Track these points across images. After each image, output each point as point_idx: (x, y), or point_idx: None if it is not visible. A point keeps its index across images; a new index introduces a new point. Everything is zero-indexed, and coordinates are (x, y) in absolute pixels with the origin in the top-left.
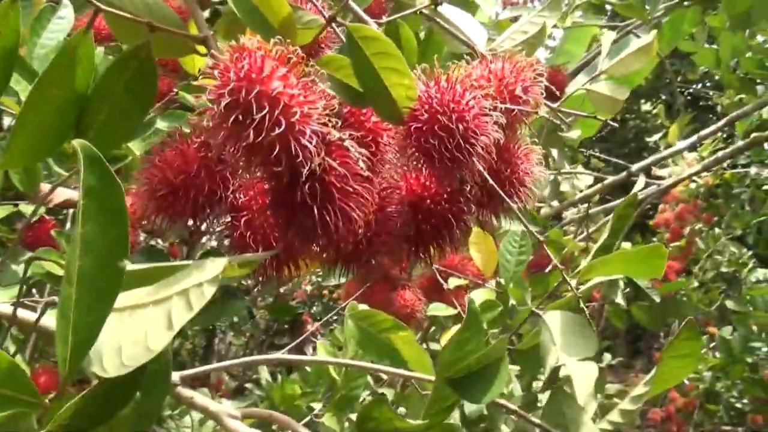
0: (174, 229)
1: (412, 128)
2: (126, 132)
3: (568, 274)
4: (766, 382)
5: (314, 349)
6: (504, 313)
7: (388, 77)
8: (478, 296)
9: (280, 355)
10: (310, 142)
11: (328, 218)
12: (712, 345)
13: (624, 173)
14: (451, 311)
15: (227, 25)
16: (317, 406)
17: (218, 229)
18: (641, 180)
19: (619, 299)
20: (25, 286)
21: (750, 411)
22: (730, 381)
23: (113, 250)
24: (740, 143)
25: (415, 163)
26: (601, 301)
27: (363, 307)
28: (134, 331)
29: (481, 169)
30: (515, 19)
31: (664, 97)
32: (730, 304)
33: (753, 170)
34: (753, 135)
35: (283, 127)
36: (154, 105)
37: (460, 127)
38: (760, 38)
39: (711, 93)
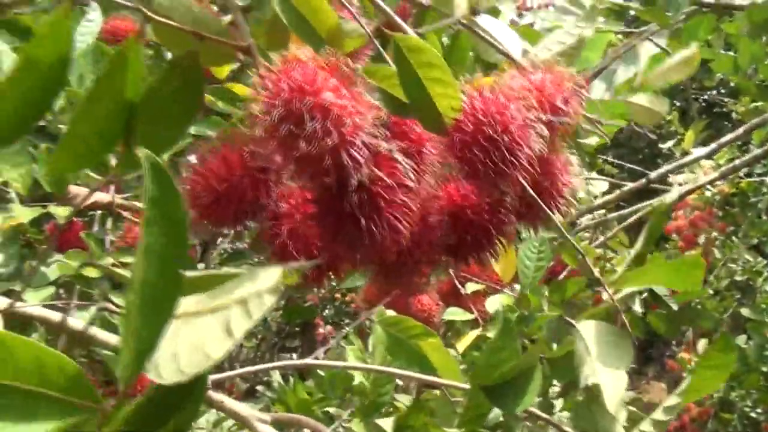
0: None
1: (457, 139)
2: (171, 139)
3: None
4: None
5: (326, 352)
6: (522, 319)
7: (432, 88)
8: (496, 302)
9: (308, 360)
10: (361, 154)
11: (375, 229)
12: None
13: (643, 180)
14: (468, 316)
15: (268, 33)
16: (332, 410)
17: (234, 232)
18: (675, 189)
19: (637, 307)
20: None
21: (764, 420)
22: (745, 390)
23: (174, 259)
24: (758, 151)
25: (457, 173)
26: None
27: (391, 312)
28: (191, 339)
29: (523, 180)
30: (531, 25)
31: (678, 104)
32: (745, 311)
33: None
34: None
35: (335, 138)
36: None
37: (505, 138)
38: None
39: (726, 100)
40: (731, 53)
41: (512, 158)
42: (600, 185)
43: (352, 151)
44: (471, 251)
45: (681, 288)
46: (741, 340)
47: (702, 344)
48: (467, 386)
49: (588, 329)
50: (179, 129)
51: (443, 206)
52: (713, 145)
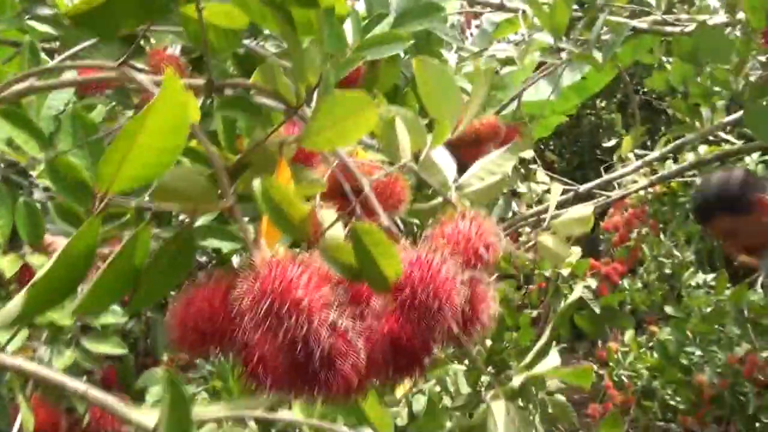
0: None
1: (397, 298)
2: (165, 290)
3: (516, 367)
4: (695, 385)
5: None
6: None
7: (379, 259)
8: None
9: (254, 413)
10: (325, 336)
11: (331, 381)
12: (650, 344)
13: (571, 193)
14: None
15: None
16: None
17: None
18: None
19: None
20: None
21: (683, 408)
22: (665, 380)
23: None
24: (686, 164)
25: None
26: (546, 308)
27: None
28: None
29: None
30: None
31: (619, 96)
32: (668, 309)
33: (698, 180)
34: (701, 153)
35: (306, 330)
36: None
37: (436, 303)
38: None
39: (665, 98)
40: (668, 63)
41: (441, 316)
42: (542, 178)
43: (317, 336)
44: (405, 371)
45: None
46: (665, 332)
47: (628, 335)
48: None
49: (498, 408)
50: (173, 283)
51: (384, 336)
52: (638, 163)
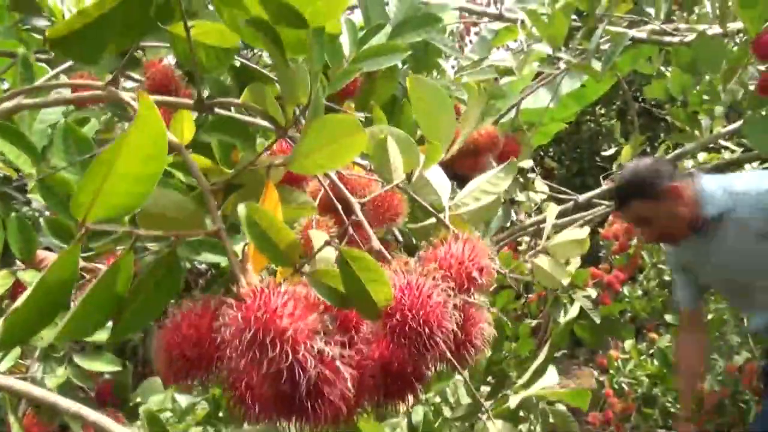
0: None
1: (388, 324)
2: (150, 317)
3: (515, 378)
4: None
5: None
6: None
7: (369, 285)
8: None
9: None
10: (311, 365)
11: (318, 410)
12: (651, 352)
13: (571, 203)
14: None
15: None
16: None
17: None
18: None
19: (561, 318)
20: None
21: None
22: (665, 387)
23: None
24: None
25: (387, 342)
26: (546, 318)
27: None
28: None
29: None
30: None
31: (618, 103)
32: (668, 317)
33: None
34: (701, 161)
35: (290, 359)
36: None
37: (427, 329)
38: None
39: (664, 106)
40: (668, 73)
41: (431, 342)
42: (541, 192)
43: (303, 365)
44: (397, 395)
45: (573, 403)
46: (665, 340)
47: (628, 343)
48: None
49: (494, 430)
50: (160, 307)
51: (375, 360)
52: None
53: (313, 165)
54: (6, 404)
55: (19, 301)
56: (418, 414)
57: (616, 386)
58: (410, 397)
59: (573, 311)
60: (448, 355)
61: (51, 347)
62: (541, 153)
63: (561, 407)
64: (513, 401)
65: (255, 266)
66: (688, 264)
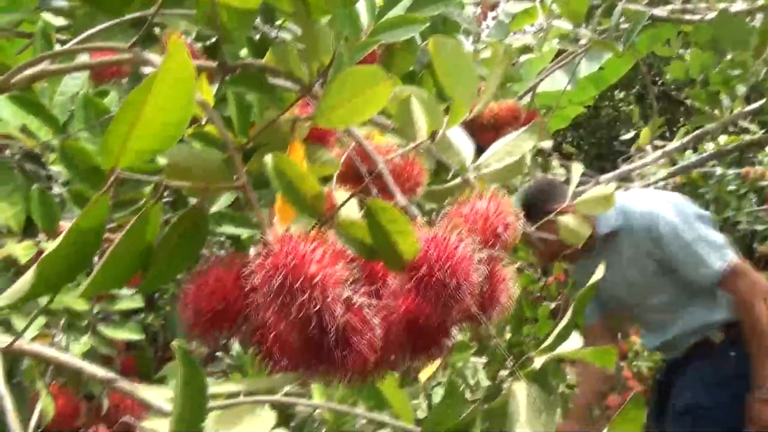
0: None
1: (413, 276)
2: (178, 269)
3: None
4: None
5: None
6: None
7: (395, 236)
8: None
9: (272, 397)
10: (338, 312)
11: (347, 359)
12: None
13: (591, 183)
14: None
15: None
16: None
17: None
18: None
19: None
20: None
21: None
22: None
23: (197, 417)
24: (706, 154)
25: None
26: (565, 300)
27: None
28: None
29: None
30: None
31: (637, 87)
32: None
33: (718, 170)
34: (721, 143)
35: (320, 305)
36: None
37: (453, 282)
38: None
39: (683, 89)
40: (688, 54)
41: (457, 295)
42: (559, 171)
43: (333, 312)
44: (422, 352)
45: (598, 363)
46: None
47: (633, 338)
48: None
49: (520, 390)
50: (186, 261)
51: (400, 315)
52: (658, 153)
53: (338, 118)
54: (34, 373)
55: (49, 250)
56: (439, 395)
57: (635, 369)
58: (436, 354)
59: (597, 275)
60: (474, 309)
61: (75, 316)
62: (560, 138)
63: None
64: (537, 362)
65: (281, 221)
66: (586, 282)
